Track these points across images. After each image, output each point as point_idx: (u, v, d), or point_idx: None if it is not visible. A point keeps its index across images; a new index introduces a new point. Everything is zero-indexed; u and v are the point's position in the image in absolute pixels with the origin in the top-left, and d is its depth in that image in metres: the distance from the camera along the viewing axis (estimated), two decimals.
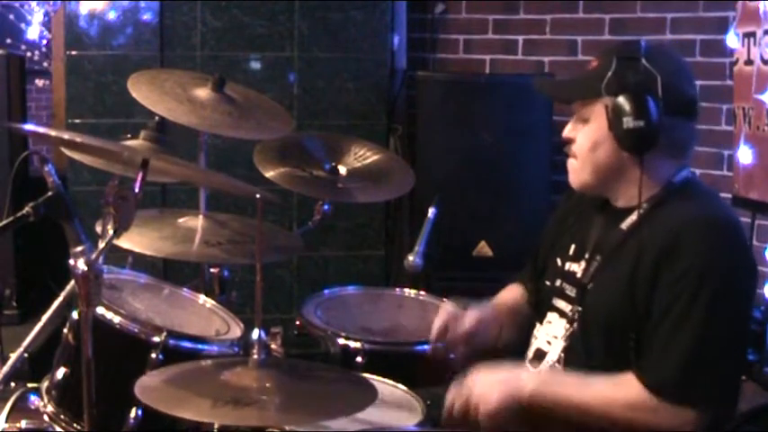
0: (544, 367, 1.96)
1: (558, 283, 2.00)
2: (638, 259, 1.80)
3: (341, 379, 1.81)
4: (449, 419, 1.92)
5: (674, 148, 1.88)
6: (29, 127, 2.02)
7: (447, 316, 2.20)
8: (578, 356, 1.90)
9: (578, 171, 1.94)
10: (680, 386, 1.73)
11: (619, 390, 1.78)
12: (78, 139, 2.00)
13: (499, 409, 1.82)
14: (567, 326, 1.93)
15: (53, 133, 2.04)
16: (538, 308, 2.08)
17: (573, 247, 2.01)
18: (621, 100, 1.81)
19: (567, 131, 1.95)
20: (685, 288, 1.74)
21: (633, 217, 1.87)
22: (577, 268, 1.96)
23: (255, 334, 1.64)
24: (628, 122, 1.80)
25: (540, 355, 1.99)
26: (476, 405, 1.84)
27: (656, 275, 1.77)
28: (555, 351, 1.95)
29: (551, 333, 1.98)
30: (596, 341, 1.87)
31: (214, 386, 1.60)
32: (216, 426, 1.96)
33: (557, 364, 1.94)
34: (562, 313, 1.97)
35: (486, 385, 1.85)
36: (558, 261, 2.03)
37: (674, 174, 1.89)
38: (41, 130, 2.06)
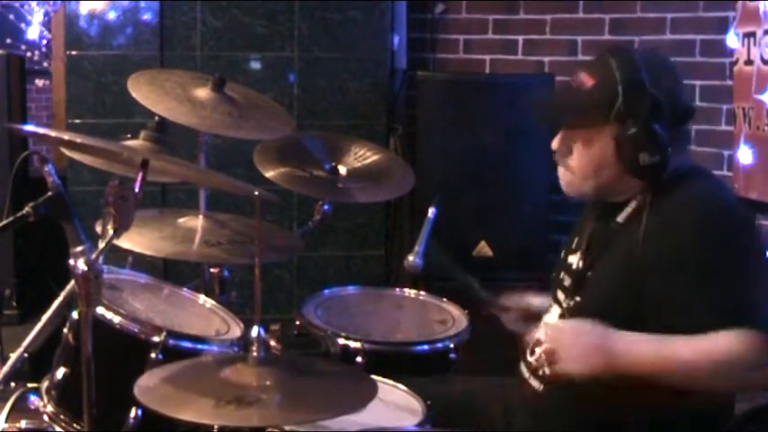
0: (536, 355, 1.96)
1: (561, 275, 2.03)
2: (633, 251, 1.80)
3: (341, 374, 1.81)
4: (525, 360, 1.89)
5: (675, 151, 1.88)
6: (29, 128, 2.01)
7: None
8: None
9: (577, 186, 1.94)
10: (749, 310, 1.70)
11: (707, 342, 1.69)
12: (78, 140, 2.00)
13: (581, 374, 1.74)
14: (563, 316, 1.95)
15: (53, 134, 2.04)
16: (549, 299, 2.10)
17: (575, 239, 2.03)
18: (633, 132, 1.80)
19: (560, 144, 1.94)
20: (698, 252, 1.74)
21: (628, 209, 1.88)
22: (574, 260, 1.99)
23: (254, 331, 1.64)
24: (644, 158, 1.81)
25: (537, 344, 1.99)
26: (559, 362, 1.77)
27: (663, 260, 1.76)
28: None
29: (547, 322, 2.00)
30: None
31: (215, 385, 1.59)
32: (216, 426, 1.97)
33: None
34: (560, 304, 1.99)
35: (577, 348, 1.76)
36: (563, 253, 2.06)
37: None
38: (41, 130, 2.06)
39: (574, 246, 2.03)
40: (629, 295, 1.81)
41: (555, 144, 1.96)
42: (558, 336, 1.83)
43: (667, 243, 1.77)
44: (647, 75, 1.83)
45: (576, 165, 1.92)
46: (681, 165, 1.88)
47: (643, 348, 1.73)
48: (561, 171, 1.97)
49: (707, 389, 1.74)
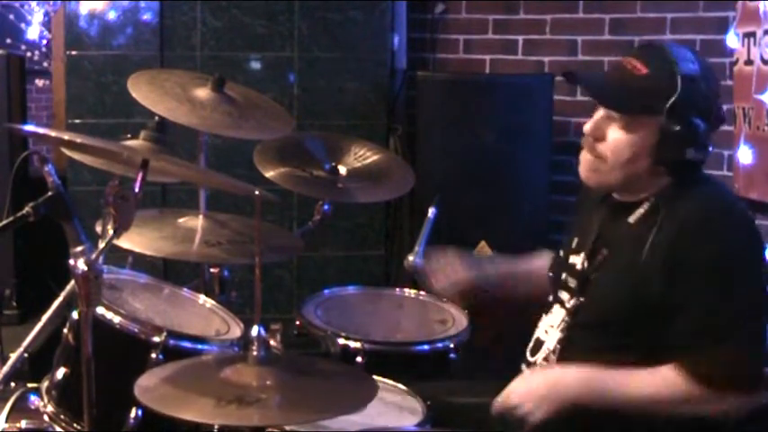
0: (541, 356, 1.97)
1: (562, 275, 2.01)
2: (645, 254, 1.80)
3: (341, 374, 1.81)
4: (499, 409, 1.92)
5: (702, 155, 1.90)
6: (29, 128, 2.01)
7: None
8: (574, 347, 1.91)
9: (605, 174, 1.89)
10: (727, 374, 1.76)
11: (663, 383, 1.79)
12: (78, 140, 2.00)
13: (545, 418, 1.83)
14: (566, 317, 1.94)
15: (53, 134, 2.04)
16: (547, 299, 2.08)
17: (576, 240, 2.02)
18: (684, 129, 1.80)
19: (595, 129, 1.89)
20: (708, 276, 1.76)
21: (641, 210, 1.87)
22: (578, 260, 1.97)
23: (254, 331, 1.64)
24: (690, 153, 1.82)
25: (538, 344, 2.00)
26: (524, 415, 1.84)
27: (671, 269, 1.77)
28: (551, 341, 1.96)
29: (550, 323, 2.00)
30: (597, 332, 1.88)
31: (215, 385, 1.60)
32: (216, 426, 1.97)
33: (551, 355, 1.95)
34: (562, 304, 1.98)
35: (533, 397, 1.85)
36: (562, 253, 2.05)
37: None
38: (42, 130, 2.06)
39: (575, 245, 2.01)
40: (634, 298, 1.82)
41: (588, 127, 1.90)
42: (517, 392, 1.88)
43: (680, 252, 1.78)
44: (703, 73, 1.83)
45: (611, 151, 1.87)
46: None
47: (592, 386, 1.83)
48: (586, 158, 1.91)
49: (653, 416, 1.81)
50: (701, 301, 1.76)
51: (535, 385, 1.88)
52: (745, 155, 3.20)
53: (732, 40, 3.36)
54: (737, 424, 1.85)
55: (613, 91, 1.90)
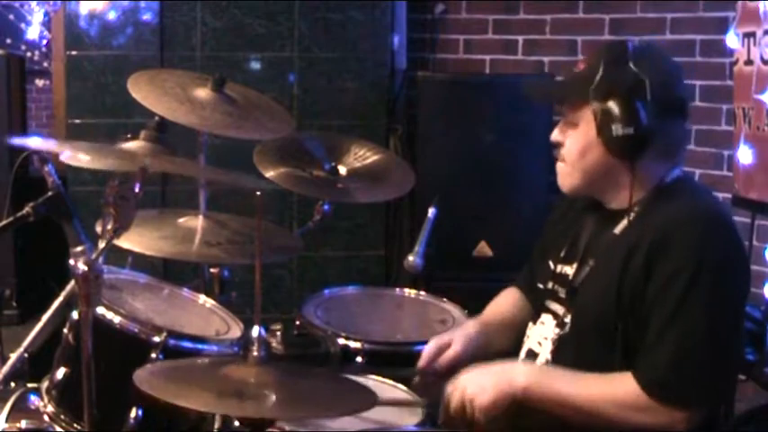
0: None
1: (550, 285, 2.00)
2: (627, 262, 1.79)
3: (340, 383, 1.80)
4: (446, 419, 1.91)
5: (666, 151, 1.87)
6: (31, 141, 2.01)
7: (436, 344, 2.15)
8: (566, 358, 1.89)
9: (567, 176, 1.92)
10: (672, 387, 1.73)
11: (613, 387, 1.78)
12: (80, 154, 1.98)
13: (494, 404, 1.82)
14: (557, 329, 1.93)
15: (55, 148, 2.05)
16: (533, 309, 2.07)
17: (565, 249, 2.00)
18: (610, 105, 1.79)
19: (555, 135, 1.93)
20: (677, 286, 1.73)
21: (625, 222, 1.86)
22: (570, 270, 1.96)
23: (254, 330, 1.64)
24: (617, 129, 1.79)
25: (531, 355, 1.99)
26: (470, 402, 1.84)
27: (647, 275, 1.76)
28: (544, 352, 1.95)
29: (542, 334, 1.98)
30: (586, 343, 1.87)
31: (215, 381, 1.60)
32: (216, 426, 1.97)
33: (546, 366, 1.94)
34: (555, 315, 1.96)
35: (480, 382, 1.85)
36: (551, 263, 2.02)
37: (666, 174, 1.88)
38: (43, 144, 2.05)
39: (563, 255, 1.99)
40: (617, 309, 1.80)
41: (552, 136, 1.94)
42: (464, 385, 1.87)
43: (652, 261, 1.76)
44: (632, 55, 1.82)
45: (567, 152, 1.90)
46: (671, 178, 1.88)
47: (541, 379, 1.83)
48: (558, 166, 1.95)
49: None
50: (660, 312, 1.74)
51: (486, 372, 1.88)
52: (745, 155, 3.20)
53: (732, 40, 3.36)
54: (738, 424, 1.85)
55: (550, 90, 2.05)
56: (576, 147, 1.88)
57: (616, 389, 1.78)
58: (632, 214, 1.86)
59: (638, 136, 1.78)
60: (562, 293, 1.95)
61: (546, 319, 1.99)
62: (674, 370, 1.73)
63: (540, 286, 2.04)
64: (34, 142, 1.99)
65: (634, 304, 1.78)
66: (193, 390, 1.57)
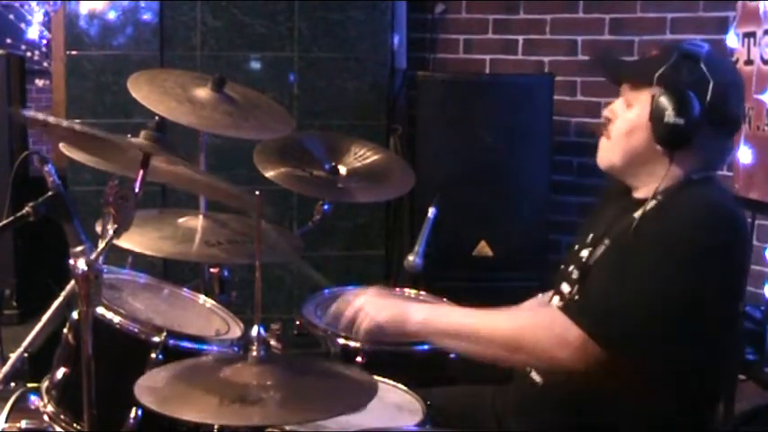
0: None
1: (570, 267, 2.01)
2: (636, 245, 1.80)
3: (341, 374, 1.81)
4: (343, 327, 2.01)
5: (706, 158, 1.89)
6: (31, 114, 2.01)
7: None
8: None
9: (608, 151, 1.95)
10: (603, 324, 1.73)
11: (539, 317, 1.87)
12: (77, 128, 1.99)
13: (381, 327, 1.91)
14: (561, 308, 1.94)
15: (51, 120, 2.04)
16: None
17: (591, 235, 2.00)
18: (669, 93, 1.82)
19: (608, 111, 1.96)
20: (656, 248, 1.76)
21: (647, 207, 1.87)
22: (586, 253, 1.97)
23: (254, 330, 1.64)
24: (669, 117, 1.81)
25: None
26: (361, 319, 1.93)
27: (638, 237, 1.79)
28: None
29: None
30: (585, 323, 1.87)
31: (217, 384, 1.59)
32: (216, 426, 1.97)
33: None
34: (562, 295, 1.99)
35: (380, 304, 1.94)
36: (576, 247, 2.04)
37: (696, 172, 1.89)
38: (41, 116, 2.04)
39: (589, 240, 1.99)
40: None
41: (604, 111, 1.97)
42: (368, 296, 1.98)
43: (651, 228, 1.79)
44: (706, 58, 1.85)
45: (615, 129, 1.93)
46: (699, 176, 1.88)
47: (442, 316, 1.93)
48: (601, 142, 1.97)
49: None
50: (627, 262, 1.77)
51: (390, 299, 2.00)
52: (745, 155, 3.20)
53: (732, 40, 3.35)
54: (738, 424, 1.85)
55: (617, 65, 2.05)
56: (625, 125, 1.91)
57: (543, 318, 1.85)
58: (654, 201, 1.86)
59: (685, 129, 1.81)
60: (575, 274, 1.96)
61: (555, 299, 2.02)
62: (613, 315, 1.74)
63: (562, 267, 2.06)
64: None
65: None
66: (194, 398, 1.56)
